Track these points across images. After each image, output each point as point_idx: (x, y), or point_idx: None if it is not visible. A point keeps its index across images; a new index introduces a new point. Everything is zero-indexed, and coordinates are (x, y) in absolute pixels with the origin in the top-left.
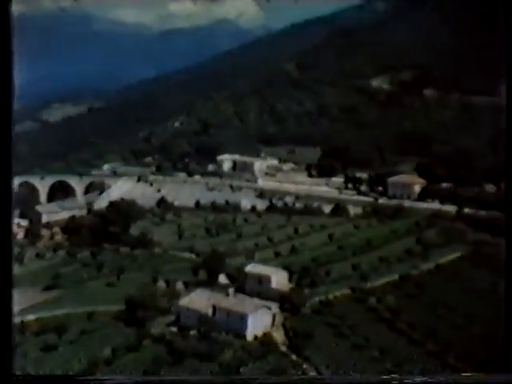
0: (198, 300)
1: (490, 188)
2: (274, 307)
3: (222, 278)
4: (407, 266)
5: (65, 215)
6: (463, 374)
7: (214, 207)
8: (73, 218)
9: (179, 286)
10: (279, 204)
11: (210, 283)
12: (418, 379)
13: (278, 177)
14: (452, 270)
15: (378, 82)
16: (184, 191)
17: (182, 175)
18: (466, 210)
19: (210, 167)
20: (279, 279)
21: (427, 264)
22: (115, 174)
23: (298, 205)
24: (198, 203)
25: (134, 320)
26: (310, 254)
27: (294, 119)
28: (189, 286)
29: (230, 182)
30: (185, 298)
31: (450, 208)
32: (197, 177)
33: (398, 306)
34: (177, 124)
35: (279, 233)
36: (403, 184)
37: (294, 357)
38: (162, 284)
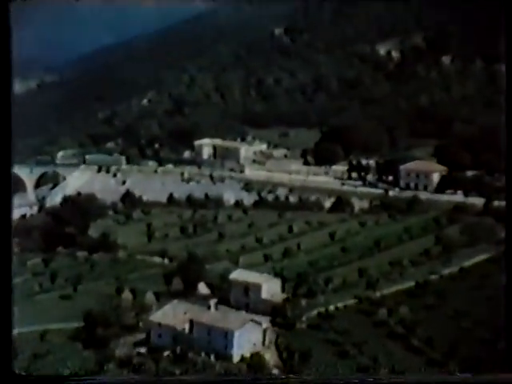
0: (173, 314)
1: None
2: (265, 322)
3: (202, 288)
4: (424, 271)
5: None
6: (463, 374)
7: (190, 202)
8: (22, 217)
9: (149, 297)
10: (269, 198)
11: (187, 294)
12: (417, 379)
13: (267, 165)
14: (479, 275)
15: (385, 49)
16: (154, 183)
17: (152, 164)
18: (496, 203)
19: (186, 154)
20: (270, 288)
21: (449, 268)
22: (75, 164)
23: (293, 198)
24: (171, 197)
25: (94, 340)
26: (307, 258)
27: (286, 95)
28: (161, 298)
29: (210, 172)
30: (156, 313)
31: (476, 200)
32: (169, 166)
33: (413, 320)
34: (144, 102)
35: (270, 232)
36: (419, 172)
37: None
38: (127, 295)
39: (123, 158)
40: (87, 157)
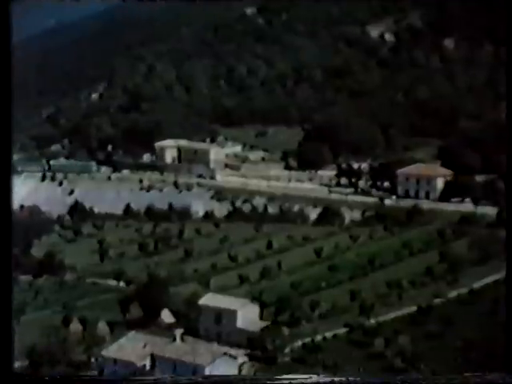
0: (131, 348)
1: None
2: (241, 355)
3: (165, 316)
4: (427, 294)
5: None
6: (463, 374)
7: (151, 214)
8: None
9: (102, 327)
10: (245, 208)
11: (147, 323)
12: (417, 379)
13: (242, 170)
14: (491, 298)
15: (377, 31)
16: (107, 192)
17: (105, 170)
18: None
19: (145, 158)
20: (247, 315)
21: (456, 290)
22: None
23: (272, 209)
24: (127, 209)
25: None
26: (290, 279)
27: (262, 87)
28: (115, 329)
29: (175, 179)
30: (110, 346)
31: (488, 210)
32: (125, 172)
33: (414, 351)
34: (94, 96)
35: (245, 249)
36: (419, 177)
37: None
38: (76, 326)
39: (94, 164)
40: (52, 162)
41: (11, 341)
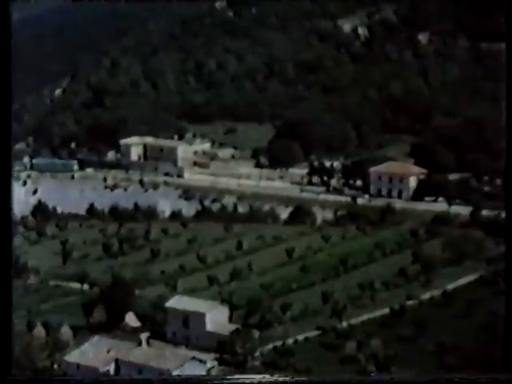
0: (94, 353)
1: None
2: (210, 359)
3: (130, 319)
4: (400, 296)
5: None
6: (463, 374)
7: (115, 214)
8: None
9: (65, 332)
10: (214, 207)
11: (112, 327)
12: (416, 378)
13: (211, 168)
14: (465, 300)
15: (350, 25)
16: (71, 191)
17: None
18: (485, 212)
19: (110, 155)
20: (216, 318)
21: (429, 292)
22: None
23: (242, 208)
24: (91, 208)
25: None
26: (260, 280)
27: (232, 82)
28: (79, 333)
29: (140, 177)
30: (74, 351)
31: (462, 209)
32: (89, 170)
33: (387, 355)
34: (58, 92)
35: (214, 249)
36: (392, 175)
37: None
38: (39, 331)
39: (75, 163)
40: (35, 161)
41: (11, 342)
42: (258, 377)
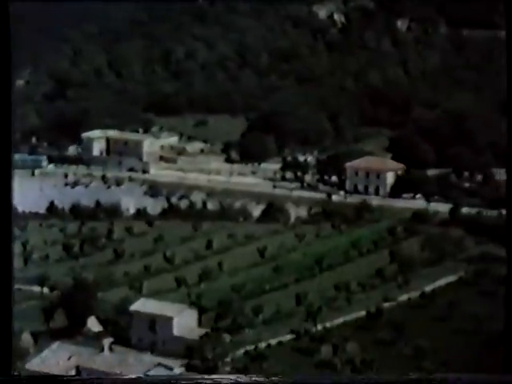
0: (55, 360)
1: (501, 175)
2: (177, 365)
3: (92, 324)
4: (377, 297)
5: None
6: (463, 374)
7: (76, 212)
8: None
9: (25, 338)
10: (182, 204)
11: (73, 332)
12: (413, 378)
13: (179, 163)
14: (445, 302)
15: (325, 11)
16: (30, 188)
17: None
18: (465, 210)
19: (71, 150)
20: (184, 322)
21: (407, 293)
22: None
23: (212, 205)
24: (51, 207)
25: None
26: (231, 281)
27: (202, 71)
28: (39, 339)
29: (103, 173)
30: (34, 359)
31: (441, 207)
32: (50, 166)
33: (363, 359)
34: (20, 82)
35: (182, 249)
36: (369, 170)
37: None
38: None
39: (44, 159)
40: (16, 156)
41: (11, 341)
42: (232, 377)
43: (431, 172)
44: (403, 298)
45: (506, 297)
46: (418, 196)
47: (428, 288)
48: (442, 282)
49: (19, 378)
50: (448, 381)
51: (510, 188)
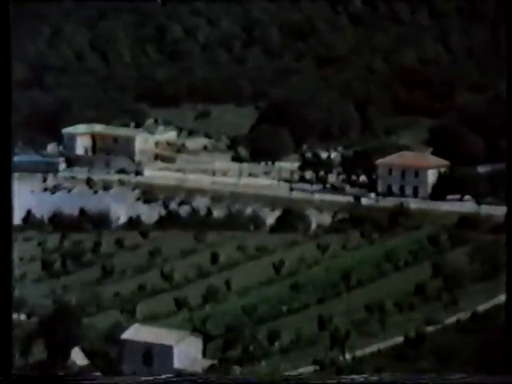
0: None
1: None
2: None
3: (77, 356)
4: (418, 319)
5: None
6: (463, 374)
7: (58, 222)
8: None
9: None
10: (182, 212)
11: (55, 367)
12: (415, 378)
13: (178, 163)
14: (500, 324)
15: None
16: None
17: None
18: None
19: (50, 149)
20: (186, 351)
21: (454, 314)
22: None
23: (217, 212)
24: (27, 216)
25: None
26: (240, 302)
27: (203, 53)
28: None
29: (88, 175)
30: None
31: (494, 210)
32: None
33: None
34: None
35: (183, 264)
36: (405, 168)
37: None
38: None
39: (61, 161)
40: (17, 159)
41: (11, 341)
42: None
43: (482, 169)
44: (450, 320)
45: (506, 297)
46: (466, 197)
47: (480, 308)
48: (496, 300)
49: (19, 378)
50: (449, 381)
51: (510, 188)
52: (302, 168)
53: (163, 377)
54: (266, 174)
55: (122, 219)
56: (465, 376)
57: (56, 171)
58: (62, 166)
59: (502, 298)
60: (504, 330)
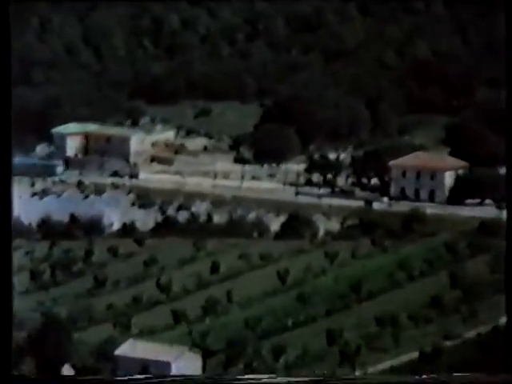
0: None
1: None
2: None
3: (68, 373)
4: (434, 333)
5: None
6: (463, 374)
7: (47, 229)
8: None
9: None
10: (180, 217)
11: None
12: (415, 378)
13: (176, 164)
14: None
15: None
16: None
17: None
18: None
19: (39, 149)
20: (184, 368)
21: (474, 328)
22: None
23: (218, 218)
24: (15, 223)
25: None
26: (243, 315)
27: (203, 46)
28: None
29: (79, 178)
30: None
31: None
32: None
33: None
34: None
35: (181, 274)
36: (420, 170)
37: None
38: None
39: (60, 164)
40: (15, 162)
41: (11, 341)
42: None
43: (503, 170)
44: (469, 334)
45: (506, 297)
46: (487, 201)
47: (501, 321)
48: None
49: (19, 378)
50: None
51: (510, 188)
52: (308, 170)
53: (164, 378)
54: (271, 176)
55: (116, 226)
56: (465, 376)
57: (53, 174)
58: (60, 168)
59: None
60: (504, 330)
